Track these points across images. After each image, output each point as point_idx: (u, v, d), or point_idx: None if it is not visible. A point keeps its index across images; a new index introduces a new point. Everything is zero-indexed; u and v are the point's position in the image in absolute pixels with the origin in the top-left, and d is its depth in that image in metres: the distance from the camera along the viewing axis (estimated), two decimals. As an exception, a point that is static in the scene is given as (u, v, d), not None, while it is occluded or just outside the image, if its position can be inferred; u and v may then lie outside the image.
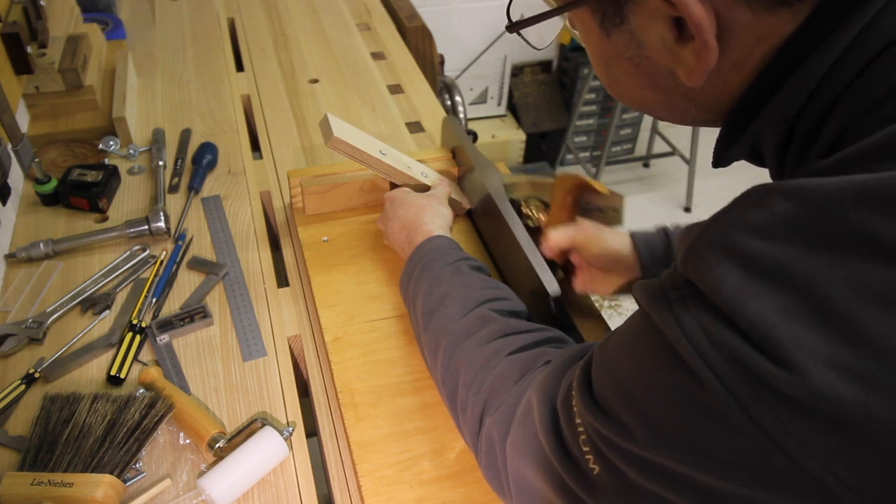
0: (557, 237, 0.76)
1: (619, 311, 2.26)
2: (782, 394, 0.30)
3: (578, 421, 0.43)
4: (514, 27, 0.48)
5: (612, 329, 0.80)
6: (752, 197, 0.35)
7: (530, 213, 0.86)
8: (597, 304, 0.80)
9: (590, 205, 0.81)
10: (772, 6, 0.37)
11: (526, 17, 0.47)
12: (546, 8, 0.45)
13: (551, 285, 0.73)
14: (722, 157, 0.47)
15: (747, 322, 0.32)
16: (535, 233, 0.81)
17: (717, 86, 0.42)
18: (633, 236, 0.75)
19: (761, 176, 0.46)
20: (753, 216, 0.34)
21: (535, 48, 0.51)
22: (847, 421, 0.29)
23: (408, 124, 1.20)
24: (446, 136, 1.06)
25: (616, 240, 0.75)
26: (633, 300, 0.41)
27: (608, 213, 0.81)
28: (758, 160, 0.46)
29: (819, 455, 0.30)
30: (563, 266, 0.80)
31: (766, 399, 0.31)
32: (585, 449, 0.42)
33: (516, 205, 0.86)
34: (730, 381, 0.32)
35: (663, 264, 0.72)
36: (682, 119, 0.48)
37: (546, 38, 0.51)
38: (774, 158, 0.43)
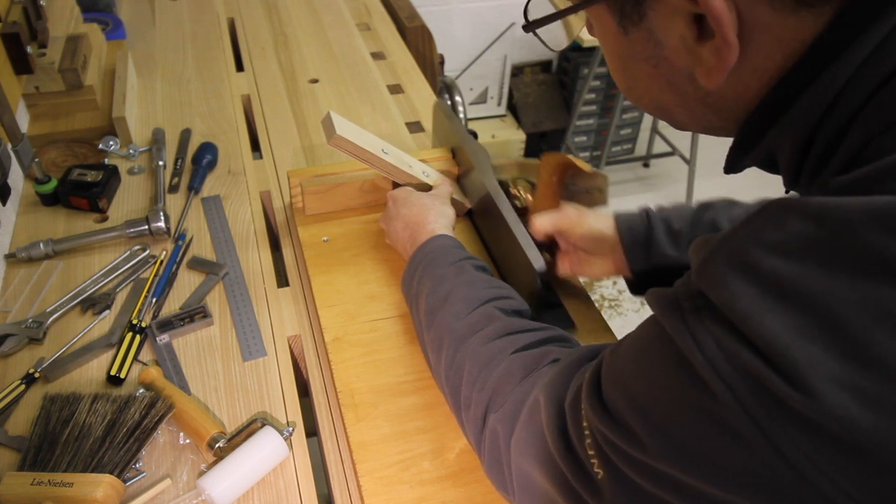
0: (542, 223, 0.78)
1: (619, 312, 2.26)
2: (795, 413, 0.30)
3: (585, 424, 0.43)
4: (530, 26, 0.47)
5: (610, 327, 0.81)
6: (769, 213, 0.34)
7: (518, 194, 0.88)
8: (597, 304, 0.80)
9: (575, 186, 0.84)
10: (795, 7, 0.36)
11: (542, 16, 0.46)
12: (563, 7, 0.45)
13: (537, 261, 0.75)
14: (735, 165, 0.46)
15: (761, 339, 0.31)
16: (523, 212, 0.83)
17: (736, 90, 0.41)
18: (616, 217, 0.77)
19: (762, 177, 0.45)
20: (770, 233, 0.33)
21: (552, 49, 0.51)
22: (859, 444, 0.29)
23: (408, 124, 1.20)
24: (437, 122, 1.06)
25: (599, 221, 0.78)
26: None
27: (593, 193, 0.84)
28: (771, 168, 0.46)
29: (831, 475, 0.30)
30: (548, 248, 0.83)
31: (779, 416, 0.31)
32: (591, 452, 0.42)
33: (504, 185, 0.88)
34: (743, 396, 0.32)
35: (644, 246, 0.74)
36: (699, 125, 0.47)
37: (563, 39, 0.50)
38: (790, 169, 0.43)
